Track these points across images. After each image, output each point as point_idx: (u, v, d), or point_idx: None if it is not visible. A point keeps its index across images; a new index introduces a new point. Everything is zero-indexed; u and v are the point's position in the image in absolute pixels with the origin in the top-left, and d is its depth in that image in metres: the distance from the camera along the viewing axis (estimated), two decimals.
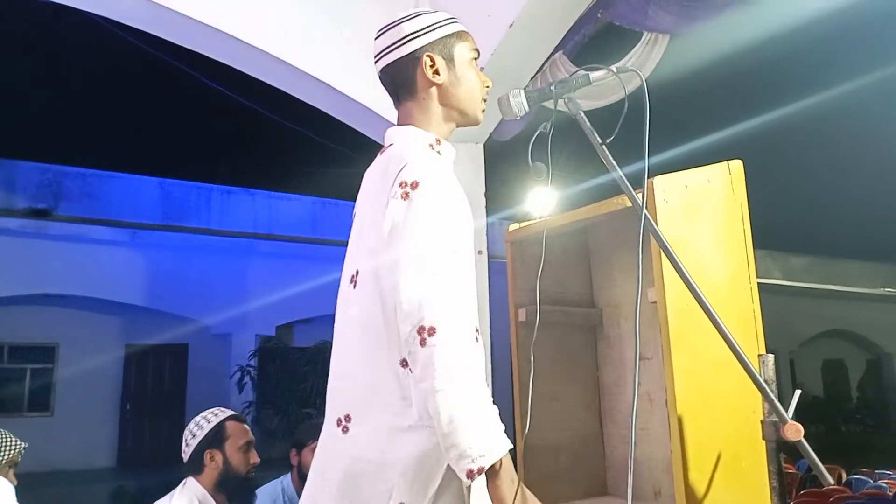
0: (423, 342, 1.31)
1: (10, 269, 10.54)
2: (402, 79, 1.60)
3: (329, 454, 1.48)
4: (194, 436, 2.40)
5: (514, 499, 1.32)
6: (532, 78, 3.73)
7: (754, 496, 2.04)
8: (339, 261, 1.63)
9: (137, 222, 11.57)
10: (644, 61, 3.35)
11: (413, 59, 1.57)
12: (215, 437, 2.37)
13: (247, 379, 10.47)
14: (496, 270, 3.66)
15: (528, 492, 1.37)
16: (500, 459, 1.32)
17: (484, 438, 1.30)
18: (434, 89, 1.59)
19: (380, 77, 1.64)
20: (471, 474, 1.29)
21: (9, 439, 2.67)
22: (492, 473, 1.32)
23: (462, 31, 1.64)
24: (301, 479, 2.93)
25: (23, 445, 2.65)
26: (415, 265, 1.36)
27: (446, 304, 1.34)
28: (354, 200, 1.67)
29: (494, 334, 3.70)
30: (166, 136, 14.80)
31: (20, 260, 10.63)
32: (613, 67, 1.66)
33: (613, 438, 2.90)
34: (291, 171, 13.99)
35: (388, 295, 1.40)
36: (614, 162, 1.65)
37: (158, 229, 11.74)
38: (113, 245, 11.37)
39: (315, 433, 2.87)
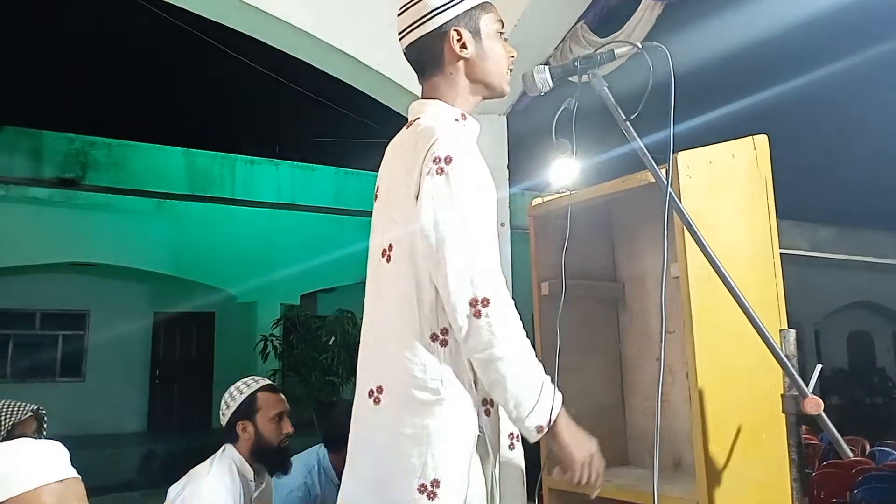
0: (477, 314, 1.37)
1: (40, 238, 10.73)
2: (428, 54, 1.60)
3: (363, 426, 1.53)
4: (228, 406, 2.44)
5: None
6: (555, 48, 3.69)
7: (774, 469, 2.06)
8: (362, 230, 1.65)
9: (163, 192, 11.67)
10: (633, 29, 3.32)
11: (440, 33, 1.57)
12: (247, 409, 2.41)
13: (270, 348, 10.61)
14: (516, 240, 3.66)
15: (579, 429, 1.48)
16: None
17: (545, 396, 1.42)
18: (461, 63, 1.60)
19: (405, 53, 1.65)
20: (540, 430, 1.41)
21: (9, 406, 2.58)
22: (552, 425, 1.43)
23: (486, 3, 1.63)
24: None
25: (28, 408, 2.58)
26: (460, 241, 1.40)
27: (494, 276, 1.41)
28: (377, 171, 1.69)
29: (516, 302, 3.72)
30: (191, 106, 14.87)
31: (50, 229, 10.81)
32: (638, 43, 1.66)
33: (635, 410, 2.93)
34: (314, 142, 14.02)
35: (423, 270, 1.44)
36: (638, 138, 1.65)
37: (184, 199, 11.85)
38: (140, 214, 11.50)
39: None
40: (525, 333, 1.44)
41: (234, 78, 13.06)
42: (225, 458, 2.37)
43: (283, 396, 2.52)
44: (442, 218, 1.41)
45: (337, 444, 2.93)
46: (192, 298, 12.45)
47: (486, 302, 1.37)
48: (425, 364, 1.43)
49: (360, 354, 1.59)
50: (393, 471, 1.43)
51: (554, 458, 1.51)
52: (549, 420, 1.41)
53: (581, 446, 1.47)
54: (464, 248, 1.39)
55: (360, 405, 1.54)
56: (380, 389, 1.49)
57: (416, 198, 1.44)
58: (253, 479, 2.39)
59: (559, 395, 1.46)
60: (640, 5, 3.29)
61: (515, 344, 1.40)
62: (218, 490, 2.27)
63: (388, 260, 1.52)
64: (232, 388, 2.49)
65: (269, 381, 2.55)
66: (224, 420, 2.45)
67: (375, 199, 1.64)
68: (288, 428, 2.45)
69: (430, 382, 1.43)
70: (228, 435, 2.42)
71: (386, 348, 1.50)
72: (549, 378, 1.45)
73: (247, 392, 2.45)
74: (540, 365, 1.45)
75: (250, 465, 2.38)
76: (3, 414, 2.52)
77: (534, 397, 1.40)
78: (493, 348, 1.37)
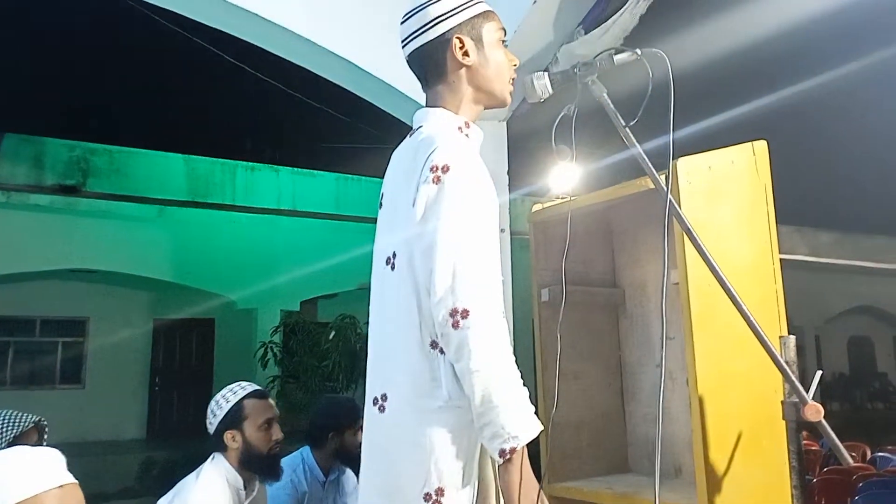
0: (455, 324, 1.35)
1: (40, 245, 10.74)
2: (431, 62, 1.60)
3: (371, 433, 1.54)
4: (215, 415, 2.38)
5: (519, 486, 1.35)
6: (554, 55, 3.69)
7: (774, 475, 2.06)
8: (363, 236, 1.66)
9: (164, 198, 11.68)
10: (612, 25, 3.32)
11: (442, 41, 1.58)
12: (234, 418, 2.34)
13: (270, 355, 10.59)
14: (517, 246, 3.66)
15: (534, 479, 1.39)
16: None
17: (517, 419, 1.34)
18: (463, 71, 1.60)
19: (408, 61, 1.65)
20: (503, 454, 1.34)
21: (11, 417, 2.57)
22: (508, 457, 1.35)
23: (489, 11, 1.64)
24: (340, 459, 2.94)
25: (31, 419, 2.57)
26: (448, 249, 1.39)
27: (477, 287, 1.38)
28: (378, 177, 1.70)
29: (516, 309, 3.71)
30: (191, 113, 14.90)
31: (50, 235, 10.81)
32: (638, 50, 1.66)
33: (635, 416, 2.92)
34: (315, 148, 14.06)
35: (420, 278, 1.44)
36: (638, 144, 1.66)
37: (184, 206, 11.86)
38: (140, 221, 11.50)
39: (354, 416, 2.88)
40: (511, 349, 1.39)
41: (235, 84, 13.10)
42: (214, 468, 2.32)
43: (271, 402, 2.46)
44: (434, 227, 1.41)
45: (319, 441, 2.92)
46: (192, 305, 12.44)
47: (465, 313, 1.35)
48: (426, 371, 1.43)
49: (368, 362, 1.60)
50: (399, 479, 1.43)
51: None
52: (512, 448, 1.33)
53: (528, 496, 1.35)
54: (450, 258, 1.38)
55: (368, 413, 1.55)
56: (384, 397, 1.49)
57: (414, 205, 1.44)
58: (244, 489, 2.34)
59: (536, 426, 1.36)
60: (626, 4, 3.29)
61: (492, 359, 1.34)
62: (207, 502, 2.22)
63: (393, 268, 1.52)
64: (218, 397, 2.42)
65: (256, 387, 2.48)
66: (211, 429, 2.38)
67: (380, 207, 1.65)
68: (277, 434, 2.39)
69: (432, 390, 1.42)
70: (217, 444, 2.35)
71: (390, 356, 1.51)
72: (528, 402, 1.37)
73: (233, 400, 2.39)
74: (519, 385, 1.37)
75: (240, 475, 2.32)
76: (7, 425, 2.52)
77: (502, 419, 1.33)
78: (468, 361, 1.33)
